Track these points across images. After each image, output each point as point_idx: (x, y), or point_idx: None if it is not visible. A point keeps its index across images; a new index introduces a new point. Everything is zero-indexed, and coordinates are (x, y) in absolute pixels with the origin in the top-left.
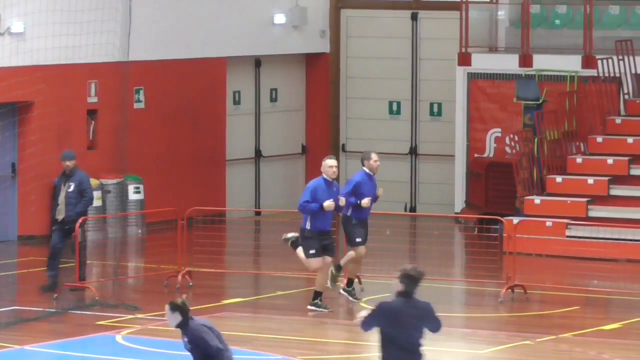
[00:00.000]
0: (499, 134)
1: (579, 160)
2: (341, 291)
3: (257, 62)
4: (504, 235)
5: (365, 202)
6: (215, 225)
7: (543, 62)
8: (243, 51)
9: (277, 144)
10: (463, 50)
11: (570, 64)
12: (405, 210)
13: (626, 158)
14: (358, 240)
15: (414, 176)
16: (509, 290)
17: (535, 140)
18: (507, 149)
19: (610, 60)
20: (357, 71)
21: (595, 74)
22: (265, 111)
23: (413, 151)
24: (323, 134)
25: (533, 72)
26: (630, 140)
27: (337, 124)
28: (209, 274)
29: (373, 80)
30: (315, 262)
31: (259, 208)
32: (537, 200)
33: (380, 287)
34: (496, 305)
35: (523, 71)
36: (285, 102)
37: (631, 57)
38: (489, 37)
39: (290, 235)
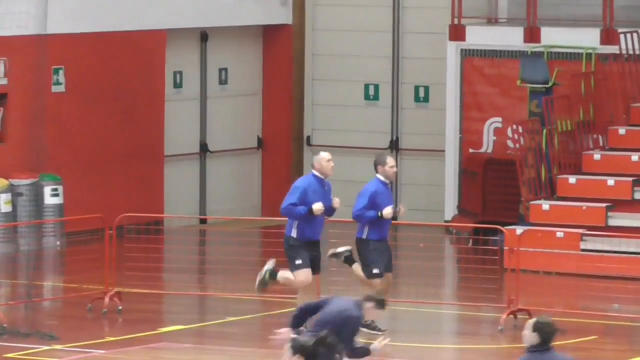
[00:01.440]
0: (500, 125)
1: (596, 156)
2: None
3: (203, 35)
4: (505, 248)
5: (389, 211)
6: (151, 236)
7: (553, 37)
8: (186, 22)
9: (227, 136)
10: (455, 21)
11: (586, 38)
12: None
13: None
14: (375, 271)
15: (395, 176)
16: (511, 315)
17: (544, 132)
18: (510, 143)
19: (635, 35)
20: (326, 47)
21: (617, 51)
22: (213, 96)
23: (394, 145)
24: (284, 124)
25: (541, 49)
26: None
27: (301, 111)
28: (143, 296)
29: (345, 58)
30: (303, 275)
31: (204, 215)
32: (546, 205)
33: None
34: (495, 334)
35: (529, 47)
36: (237, 85)
37: None
38: (487, 5)
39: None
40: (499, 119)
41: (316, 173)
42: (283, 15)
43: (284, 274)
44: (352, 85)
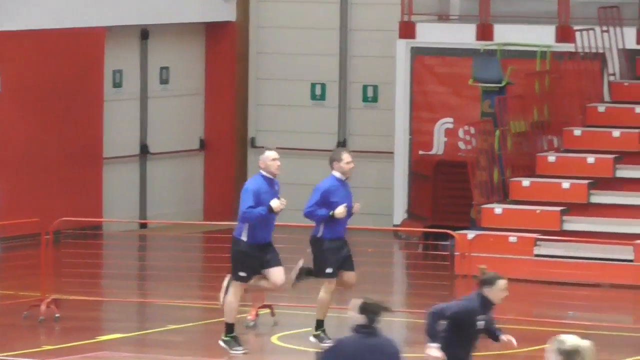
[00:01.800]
0: (451, 126)
1: (551, 158)
2: (311, 338)
3: (144, 33)
4: (456, 253)
5: (340, 211)
6: (90, 241)
7: (507, 34)
8: (125, 20)
9: (168, 137)
10: (405, 18)
11: (541, 36)
12: None
13: (611, 156)
14: (328, 270)
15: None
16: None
17: (497, 133)
18: (461, 145)
19: (591, 32)
20: (271, 45)
21: (573, 50)
22: (154, 96)
23: (341, 146)
24: (227, 124)
25: (494, 47)
26: (616, 133)
27: (245, 112)
28: (82, 303)
29: (291, 57)
30: (240, 288)
31: (145, 219)
32: (499, 209)
33: (299, 320)
34: None
35: (481, 45)
36: (179, 85)
37: (618, 28)
38: (438, 2)
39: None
40: (450, 119)
41: (264, 173)
42: (226, 12)
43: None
44: (298, 85)
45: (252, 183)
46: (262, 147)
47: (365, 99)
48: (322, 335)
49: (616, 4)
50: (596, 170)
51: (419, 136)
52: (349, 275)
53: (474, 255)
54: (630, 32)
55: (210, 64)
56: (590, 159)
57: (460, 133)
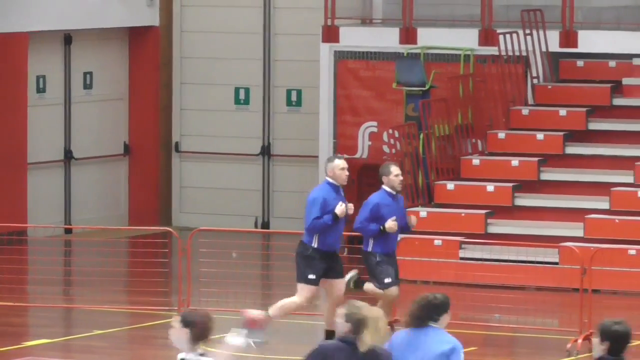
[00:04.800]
0: (375, 129)
1: (475, 161)
2: None
3: (67, 38)
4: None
5: (391, 224)
6: (14, 247)
7: (430, 38)
8: (48, 25)
9: (92, 142)
10: (329, 22)
11: (464, 40)
12: (256, 225)
13: (535, 159)
14: (387, 280)
15: (266, 183)
16: (388, 327)
17: (421, 136)
18: (385, 148)
19: (514, 35)
20: (195, 50)
21: (497, 53)
22: (78, 101)
23: (266, 151)
24: (151, 129)
25: (417, 51)
26: (540, 136)
27: (169, 116)
28: (7, 309)
29: (214, 61)
30: (392, 290)
31: (69, 224)
32: (423, 212)
33: (228, 324)
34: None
35: (405, 49)
36: (102, 90)
37: (541, 32)
38: (361, 6)
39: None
40: (374, 123)
41: (330, 181)
42: (149, 17)
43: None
44: (222, 89)
45: (318, 192)
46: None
47: (289, 103)
48: None
49: (539, 7)
50: (520, 173)
51: (343, 140)
52: (396, 289)
53: (400, 258)
54: (553, 35)
55: (133, 69)
56: (515, 162)
57: (385, 137)
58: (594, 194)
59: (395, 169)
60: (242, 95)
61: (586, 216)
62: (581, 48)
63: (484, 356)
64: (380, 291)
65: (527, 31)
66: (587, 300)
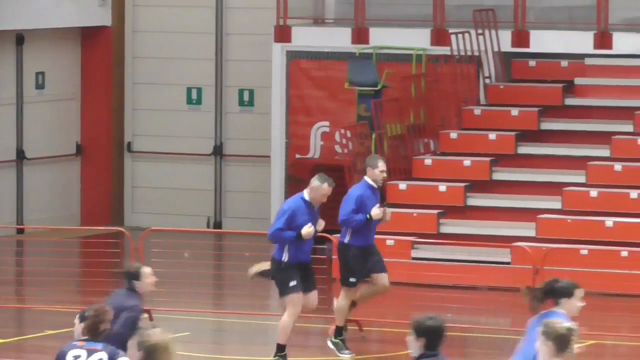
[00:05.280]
0: (327, 129)
1: (427, 161)
2: (329, 344)
3: (19, 38)
4: (334, 257)
5: (377, 211)
6: None
7: (382, 38)
8: (0, 25)
9: (45, 142)
10: (281, 22)
11: (416, 39)
12: (208, 226)
13: (487, 159)
14: (352, 280)
15: (218, 183)
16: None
17: (373, 136)
18: (338, 148)
19: (467, 35)
20: (147, 50)
21: (449, 53)
22: (30, 101)
23: (218, 151)
24: (103, 129)
25: (370, 50)
26: (492, 136)
27: (121, 116)
28: None
29: (167, 61)
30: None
31: (21, 224)
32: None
33: (180, 324)
34: (325, 346)
35: (357, 49)
36: (55, 90)
37: (493, 31)
38: (313, 5)
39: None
40: (327, 123)
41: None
42: (102, 17)
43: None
44: (174, 89)
45: (290, 203)
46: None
47: (241, 103)
48: (340, 343)
49: (491, 6)
50: (472, 173)
51: (295, 140)
52: (383, 277)
53: None
54: (505, 35)
55: (86, 69)
56: (467, 161)
57: (337, 136)
58: (546, 194)
59: (382, 165)
60: (194, 95)
61: (538, 216)
62: (533, 48)
63: None
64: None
65: (479, 31)
66: None
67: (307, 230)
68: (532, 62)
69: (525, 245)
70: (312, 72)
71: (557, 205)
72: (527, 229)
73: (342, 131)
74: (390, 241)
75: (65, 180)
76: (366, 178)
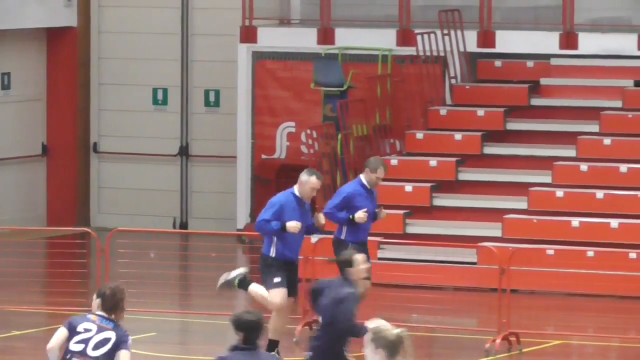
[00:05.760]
0: (293, 130)
1: (393, 161)
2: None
3: None
4: (300, 257)
5: (361, 215)
6: None
7: (348, 38)
8: None
9: (10, 142)
10: (247, 23)
11: (382, 40)
12: (174, 226)
13: (453, 159)
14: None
15: (184, 183)
16: (306, 327)
17: (339, 136)
18: (304, 148)
19: (432, 36)
20: (112, 50)
21: (414, 53)
22: None
23: (184, 151)
24: (69, 130)
25: (335, 51)
26: (458, 136)
27: (87, 117)
28: None
29: (132, 62)
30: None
31: None
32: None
33: (146, 325)
34: (291, 346)
35: (323, 49)
36: (20, 90)
37: (459, 32)
38: (279, 6)
39: (233, 275)
40: (292, 123)
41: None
42: (67, 18)
43: (257, 289)
44: (140, 90)
45: (280, 197)
46: (107, 153)
47: (207, 103)
48: None
49: (457, 7)
50: (439, 173)
51: (261, 140)
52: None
53: (318, 259)
54: (471, 35)
55: (51, 70)
56: (433, 162)
57: (303, 137)
58: (512, 194)
59: (381, 172)
60: (160, 96)
61: (504, 216)
62: (499, 48)
63: None
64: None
65: (445, 31)
66: (505, 300)
67: (293, 224)
68: (497, 63)
69: (491, 245)
70: (277, 72)
71: (523, 205)
72: (493, 229)
73: (308, 131)
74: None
75: (31, 180)
76: (362, 177)
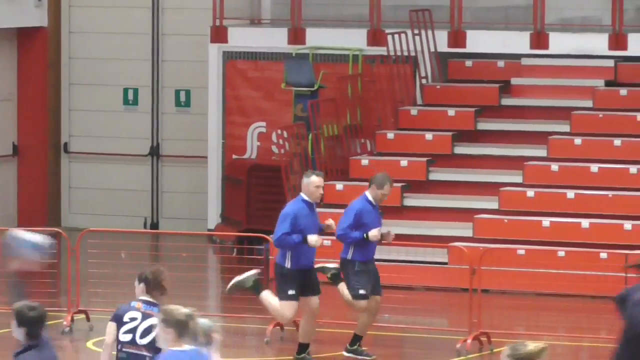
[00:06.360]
0: (264, 130)
1: (364, 161)
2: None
3: None
4: (271, 257)
5: (375, 233)
6: None
7: (318, 38)
8: None
9: None
10: (217, 23)
11: (352, 40)
12: (145, 226)
13: (424, 159)
14: (362, 292)
15: (155, 183)
16: (277, 327)
17: (310, 136)
18: (274, 149)
19: (403, 36)
20: (83, 50)
21: (385, 53)
22: None
23: (154, 152)
24: (40, 130)
25: (306, 51)
26: (429, 136)
27: (58, 117)
28: None
29: (103, 62)
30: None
31: None
32: None
33: None
34: (262, 346)
35: (293, 49)
36: None
37: (429, 31)
38: (250, 6)
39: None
40: (263, 123)
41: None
42: (37, 18)
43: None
44: (110, 90)
45: (291, 206)
46: (77, 153)
47: (177, 103)
48: (358, 349)
49: (427, 7)
50: (409, 173)
51: (232, 140)
52: (377, 300)
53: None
54: (441, 35)
55: (22, 70)
56: (404, 162)
57: (273, 137)
58: (483, 194)
59: (388, 189)
60: (130, 96)
61: (475, 216)
62: (469, 48)
63: (373, 355)
64: (351, 299)
65: (416, 31)
66: (476, 300)
67: (314, 238)
68: (468, 62)
69: (462, 245)
70: (248, 72)
71: (493, 205)
72: (463, 229)
73: (279, 131)
74: (327, 242)
75: (1, 180)
76: (367, 193)
